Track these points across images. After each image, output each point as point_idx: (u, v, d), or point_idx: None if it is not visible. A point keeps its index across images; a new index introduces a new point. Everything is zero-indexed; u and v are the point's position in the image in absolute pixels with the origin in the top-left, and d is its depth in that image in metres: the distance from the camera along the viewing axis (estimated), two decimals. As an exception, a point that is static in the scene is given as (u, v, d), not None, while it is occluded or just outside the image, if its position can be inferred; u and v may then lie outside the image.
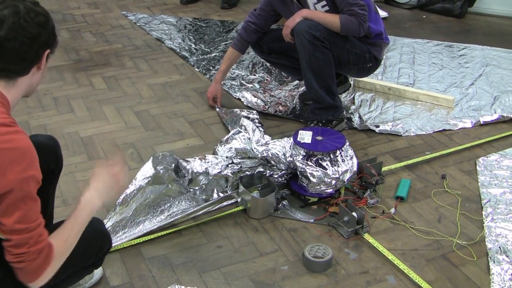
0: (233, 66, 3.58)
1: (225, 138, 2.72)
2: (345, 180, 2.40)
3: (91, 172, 1.73)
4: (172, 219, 2.29)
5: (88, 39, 4.25)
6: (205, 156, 2.61)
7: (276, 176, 2.52)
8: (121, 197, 2.39)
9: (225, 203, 2.44)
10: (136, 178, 2.47)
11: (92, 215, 1.64)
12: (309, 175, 2.36)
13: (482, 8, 4.87)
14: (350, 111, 3.22)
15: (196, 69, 3.78)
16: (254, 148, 2.57)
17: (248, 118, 3.00)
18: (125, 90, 3.48)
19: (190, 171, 2.51)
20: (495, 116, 3.16)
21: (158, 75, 3.69)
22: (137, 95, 3.43)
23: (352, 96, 3.39)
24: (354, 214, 2.24)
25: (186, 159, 2.59)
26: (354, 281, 2.07)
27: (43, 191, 1.69)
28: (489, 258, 2.16)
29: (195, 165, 2.55)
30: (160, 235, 2.26)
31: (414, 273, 2.07)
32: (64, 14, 4.72)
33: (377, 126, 3.05)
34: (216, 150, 2.68)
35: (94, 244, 1.74)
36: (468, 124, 3.11)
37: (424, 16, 4.85)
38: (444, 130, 3.06)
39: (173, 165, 2.48)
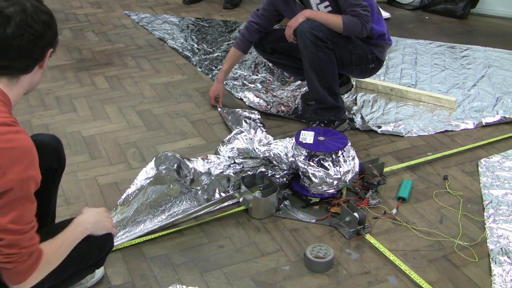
0: (236, 66, 3.58)
1: (227, 138, 2.72)
2: (347, 181, 2.40)
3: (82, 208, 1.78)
4: (173, 219, 2.29)
5: (90, 38, 4.25)
6: (208, 156, 2.62)
7: (278, 176, 2.52)
8: (123, 197, 2.40)
9: (226, 203, 2.44)
10: (137, 178, 2.48)
11: (83, 236, 1.66)
12: (311, 175, 2.36)
13: (484, 9, 4.87)
14: (352, 112, 3.22)
15: (199, 69, 3.78)
16: (256, 148, 2.57)
17: (249, 118, 3.00)
18: (128, 89, 3.49)
19: (192, 171, 2.51)
20: (497, 117, 3.16)
21: (160, 75, 3.69)
22: (139, 94, 3.43)
23: (354, 96, 3.39)
24: (355, 214, 2.24)
25: (189, 158, 2.60)
26: (355, 282, 2.07)
27: (45, 190, 1.70)
28: (490, 259, 2.15)
29: (198, 165, 2.56)
30: (161, 234, 2.26)
31: (415, 274, 2.07)
32: (66, 14, 4.73)
33: (379, 127, 3.05)
34: (218, 150, 2.68)
35: (96, 243, 1.74)
36: (470, 125, 3.11)
37: (426, 17, 4.85)
38: (446, 131, 3.06)
39: (175, 165, 2.48)
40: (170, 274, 2.08)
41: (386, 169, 2.65)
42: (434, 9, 4.90)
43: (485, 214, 2.41)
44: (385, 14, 4.44)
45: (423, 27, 4.61)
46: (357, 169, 2.46)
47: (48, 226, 1.86)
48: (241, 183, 2.41)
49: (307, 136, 2.48)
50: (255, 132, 2.74)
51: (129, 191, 2.42)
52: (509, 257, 2.14)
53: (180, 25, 4.50)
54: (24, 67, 1.51)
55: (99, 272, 2.03)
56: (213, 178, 2.49)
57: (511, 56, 3.98)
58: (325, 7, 2.80)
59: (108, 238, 1.79)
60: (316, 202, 2.43)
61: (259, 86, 3.51)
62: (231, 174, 2.50)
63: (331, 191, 2.40)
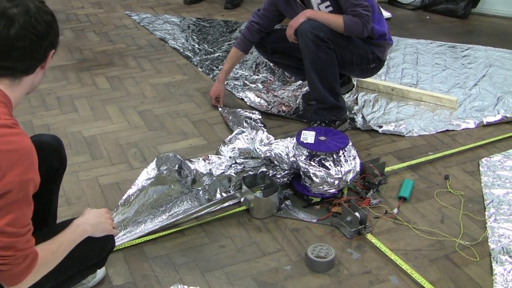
0: (236, 66, 3.58)
1: (228, 138, 2.73)
2: (348, 180, 2.40)
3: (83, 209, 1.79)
4: (174, 219, 2.29)
5: (91, 38, 4.25)
6: (209, 157, 2.62)
7: (279, 176, 2.52)
8: (124, 197, 2.40)
9: (228, 203, 2.44)
10: (138, 178, 2.48)
11: (82, 238, 1.65)
12: (312, 175, 2.36)
13: (485, 9, 4.87)
14: (353, 112, 3.22)
15: (200, 69, 3.78)
16: (257, 148, 2.57)
17: (250, 118, 3.00)
18: (129, 90, 3.49)
19: (193, 172, 2.51)
20: (498, 117, 3.16)
21: (161, 75, 3.69)
22: (140, 95, 3.43)
23: (355, 96, 3.39)
24: (357, 214, 2.24)
25: (191, 159, 2.60)
26: (356, 281, 2.07)
27: (46, 190, 1.70)
28: (492, 258, 2.15)
29: (199, 166, 2.56)
30: (163, 234, 2.26)
31: (416, 273, 2.07)
32: (67, 14, 4.73)
33: (380, 127, 3.05)
34: (220, 150, 2.68)
35: (97, 244, 1.74)
36: (471, 124, 3.11)
37: (427, 17, 4.85)
38: (447, 130, 3.06)
39: (176, 165, 2.48)
40: (171, 274, 2.09)
41: (387, 169, 2.65)
42: (435, 9, 4.89)
43: (486, 213, 2.41)
44: (386, 14, 4.44)
45: (424, 27, 4.61)
46: (358, 168, 2.46)
47: (49, 227, 1.86)
48: (242, 183, 2.41)
49: (308, 136, 2.48)
50: (256, 132, 2.74)
51: (130, 191, 2.43)
52: (510, 256, 2.14)
53: (181, 25, 4.50)
54: (27, 68, 1.51)
55: (100, 272, 2.03)
56: (214, 178, 2.50)
57: (512, 55, 3.99)
58: (326, 7, 2.80)
59: (109, 238, 1.79)
60: (317, 202, 2.43)
61: (260, 86, 3.51)
62: (232, 174, 2.50)
63: (332, 191, 2.40)
